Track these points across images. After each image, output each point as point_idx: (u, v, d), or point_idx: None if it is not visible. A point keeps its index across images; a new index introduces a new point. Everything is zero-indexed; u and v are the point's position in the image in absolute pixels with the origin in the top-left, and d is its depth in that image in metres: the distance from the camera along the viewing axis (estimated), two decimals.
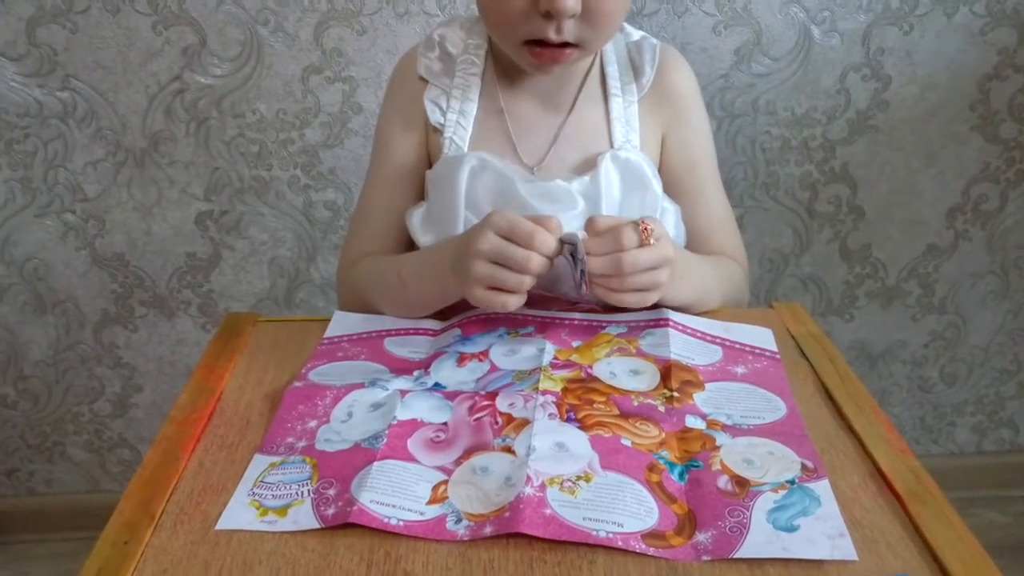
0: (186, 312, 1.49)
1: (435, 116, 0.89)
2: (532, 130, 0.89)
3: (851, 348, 1.58)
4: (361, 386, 0.72)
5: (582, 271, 0.73)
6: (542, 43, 0.78)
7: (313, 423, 0.68)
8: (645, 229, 0.73)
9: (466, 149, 0.87)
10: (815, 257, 1.51)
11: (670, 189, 0.91)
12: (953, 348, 1.60)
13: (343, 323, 0.84)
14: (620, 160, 0.86)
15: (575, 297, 0.77)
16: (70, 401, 1.55)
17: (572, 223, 0.84)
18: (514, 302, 0.74)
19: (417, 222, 0.89)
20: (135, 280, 1.46)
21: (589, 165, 0.87)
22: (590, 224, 0.75)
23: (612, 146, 0.88)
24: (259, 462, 0.65)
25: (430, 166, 0.90)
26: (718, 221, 0.94)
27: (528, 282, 0.73)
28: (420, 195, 0.92)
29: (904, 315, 1.56)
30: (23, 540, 1.61)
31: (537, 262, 0.72)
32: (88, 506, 1.58)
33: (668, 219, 0.89)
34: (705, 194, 0.93)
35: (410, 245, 0.92)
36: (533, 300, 0.78)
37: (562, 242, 0.73)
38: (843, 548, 0.55)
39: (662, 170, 0.91)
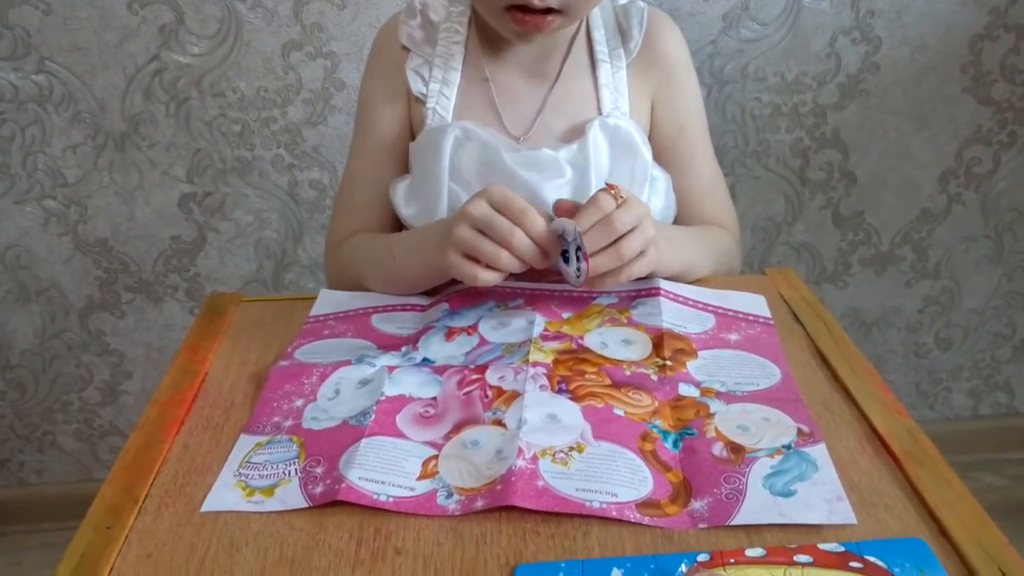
0: (173, 296, 1.47)
1: (417, 86, 0.86)
2: (517, 99, 0.87)
3: (845, 316, 1.57)
4: (348, 363, 0.70)
5: (579, 256, 0.71)
6: (524, 9, 0.76)
7: (299, 402, 0.67)
8: (612, 188, 0.71)
9: (449, 119, 0.85)
10: (808, 224, 1.49)
11: (660, 156, 0.89)
12: (948, 313, 1.59)
13: (329, 301, 0.83)
14: (609, 127, 0.84)
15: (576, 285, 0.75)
16: (59, 390, 1.53)
17: (560, 192, 0.82)
18: (485, 276, 0.72)
19: (401, 195, 0.87)
20: (120, 265, 1.44)
21: (577, 133, 0.85)
22: (556, 207, 0.74)
23: (600, 113, 0.86)
24: (245, 442, 0.64)
25: (414, 138, 0.88)
26: (709, 189, 0.92)
27: (507, 258, 0.71)
28: (405, 168, 0.90)
29: (898, 281, 1.55)
30: (15, 531, 1.61)
31: (520, 239, 0.70)
32: (80, 495, 1.55)
33: (658, 187, 0.87)
34: (696, 161, 0.91)
35: (397, 219, 0.90)
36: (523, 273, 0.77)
37: (555, 234, 0.71)
38: (841, 511, 0.54)
39: (652, 137, 0.89)
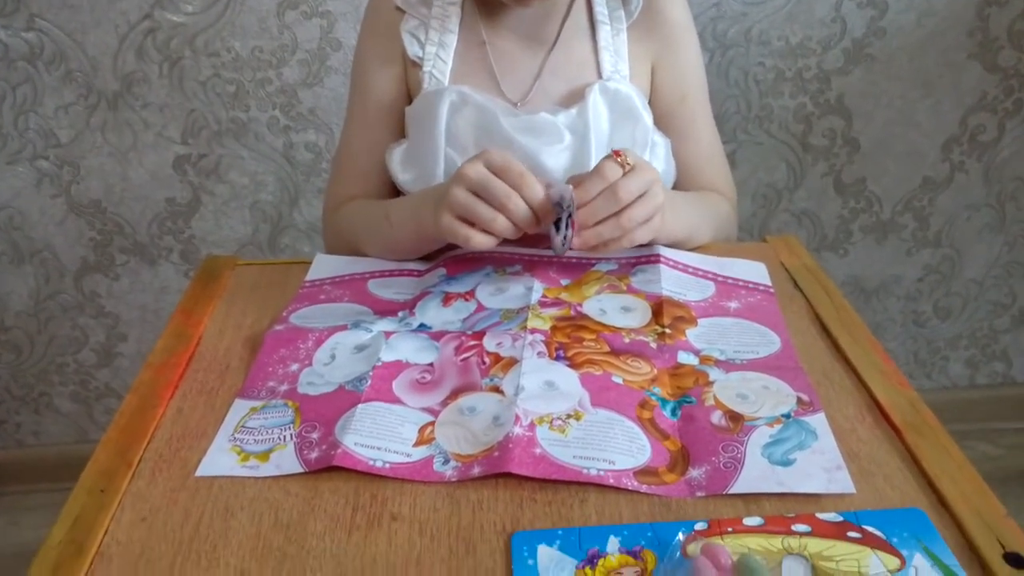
0: (168, 259, 1.45)
1: (413, 49, 0.84)
2: (515, 63, 0.85)
3: (845, 283, 1.56)
4: (344, 328, 0.70)
5: (568, 224, 0.70)
6: None
7: (295, 366, 0.66)
8: (619, 155, 0.70)
9: (446, 83, 0.83)
10: (809, 192, 1.48)
11: (660, 121, 0.87)
12: (948, 282, 1.58)
13: (325, 266, 0.82)
14: (609, 91, 0.82)
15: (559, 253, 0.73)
16: (53, 352, 1.53)
17: (559, 157, 0.81)
18: (479, 240, 0.70)
19: (397, 160, 0.86)
20: (114, 227, 1.42)
21: (576, 97, 0.83)
22: (570, 181, 0.72)
23: (600, 77, 0.84)
24: (240, 407, 0.63)
25: (410, 102, 0.86)
26: (708, 155, 0.91)
27: (502, 222, 0.69)
28: (402, 132, 0.88)
29: (899, 249, 1.54)
30: (13, 491, 1.61)
31: (516, 203, 0.69)
32: (77, 456, 1.55)
33: (658, 153, 0.86)
34: (696, 127, 0.90)
35: (394, 185, 0.89)
36: (521, 239, 0.76)
37: (549, 200, 0.70)
38: (840, 481, 0.54)
39: (652, 102, 0.87)
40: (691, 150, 0.89)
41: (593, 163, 0.81)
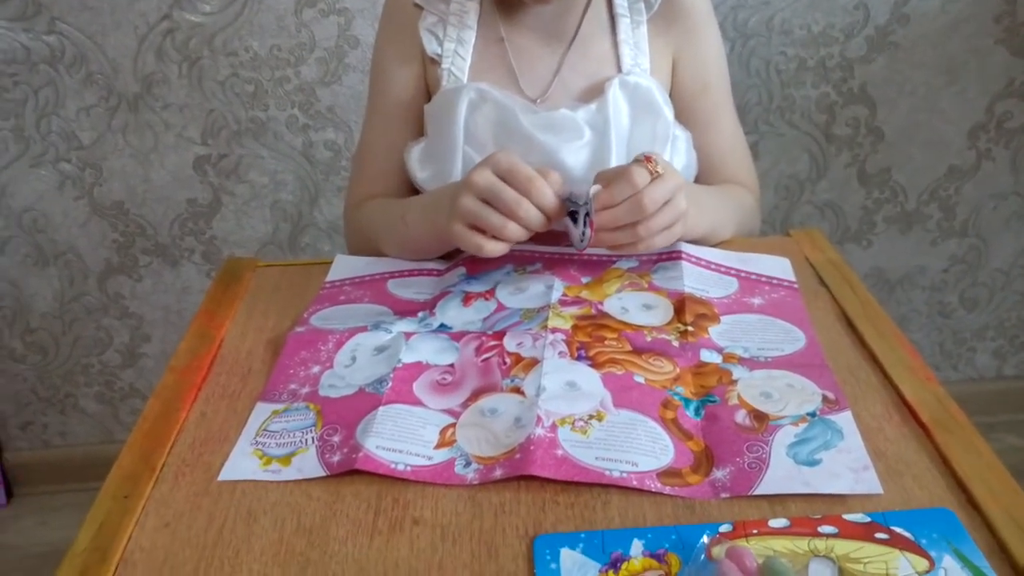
0: (190, 259, 1.46)
1: (431, 46, 0.84)
2: (534, 60, 0.84)
3: (869, 275, 1.54)
4: (364, 329, 0.70)
5: (587, 220, 0.69)
6: None
7: (316, 368, 0.66)
8: (649, 161, 0.69)
9: (465, 80, 0.83)
10: (832, 183, 1.46)
11: (681, 114, 0.86)
12: (974, 272, 1.56)
13: (345, 266, 0.82)
14: (629, 85, 0.81)
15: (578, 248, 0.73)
16: (79, 353, 1.55)
17: (579, 153, 0.80)
18: (491, 247, 0.69)
19: (416, 158, 0.85)
20: (136, 228, 1.43)
21: (596, 92, 0.82)
22: (597, 177, 0.71)
23: (620, 71, 0.83)
24: (261, 410, 0.63)
25: (429, 99, 0.86)
26: (731, 147, 0.90)
27: (513, 229, 0.68)
28: (421, 130, 0.88)
29: (924, 240, 1.52)
30: (41, 492, 1.63)
31: (527, 209, 0.68)
32: (103, 456, 1.57)
33: (679, 146, 0.85)
34: (718, 119, 0.89)
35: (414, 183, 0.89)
36: (539, 236, 0.75)
37: (562, 199, 0.69)
38: (867, 481, 0.53)
39: (673, 94, 0.86)
40: (713, 142, 0.88)
41: (613, 159, 0.80)
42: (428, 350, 0.67)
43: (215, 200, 1.42)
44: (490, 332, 0.68)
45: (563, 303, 0.71)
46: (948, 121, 1.42)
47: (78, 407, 1.60)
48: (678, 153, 0.85)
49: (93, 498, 0.57)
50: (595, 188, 0.69)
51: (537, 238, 0.73)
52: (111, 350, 1.55)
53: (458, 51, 0.83)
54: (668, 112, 0.83)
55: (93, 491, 0.57)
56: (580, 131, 0.80)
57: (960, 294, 1.58)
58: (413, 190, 0.89)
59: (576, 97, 0.83)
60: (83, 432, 1.63)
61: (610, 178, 0.70)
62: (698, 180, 0.89)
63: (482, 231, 0.70)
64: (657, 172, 0.68)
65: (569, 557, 0.50)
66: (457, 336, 0.68)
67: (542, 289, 0.73)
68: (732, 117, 0.91)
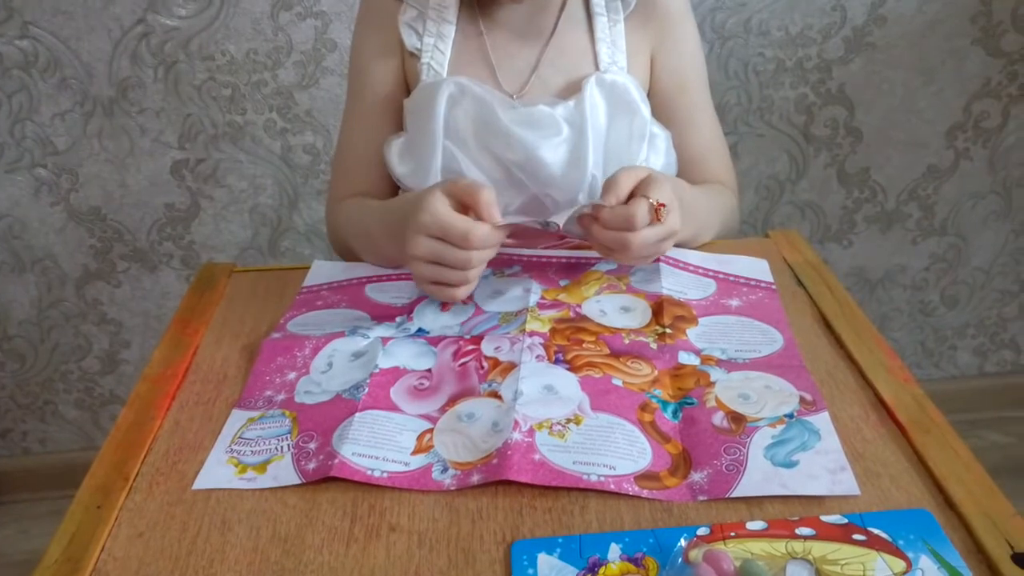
0: (168, 265, 1.45)
1: (411, 40, 0.83)
2: (513, 55, 0.84)
3: (849, 275, 1.55)
4: (341, 335, 0.69)
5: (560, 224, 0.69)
6: None
7: (292, 375, 0.66)
8: (659, 209, 0.68)
9: (444, 75, 0.83)
10: (812, 183, 1.47)
11: (660, 113, 0.86)
12: (954, 270, 1.57)
13: (322, 272, 0.81)
14: (606, 83, 0.81)
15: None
16: (57, 360, 1.53)
17: (557, 150, 0.80)
18: (463, 292, 0.69)
19: (395, 153, 0.84)
20: (114, 234, 1.42)
21: (574, 89, 0.82)
22: (610, 184, 0.70)
23: (597, 68, 0.83)
24: (237, 418, 0.62)
25: (409, 94, 0.85)
26: (710, 146, 0.90)
27: (473, 275, 0.68)
28: (400, 125, 0.87)
29: (904, 239, 1.53)
30: (22, 499, 1.61)
31: (477, 260, 0.67)
32: (84, 463, 1.54)
33: (659, 145, 0.85)
34: (696, 117, 0.89)
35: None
36: (518, 235, 0.75)
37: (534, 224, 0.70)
38: (844, 482, 0.53)
39: (651, 93, 0.86)
40: (693, 141, 0.88)
41: (591, 156, 0.79)
42: (405, 355, 0.66)
43: (193, 205, 1.41)
44: (468, 336, 0.68)
45: (541, 306, 0.71)
46: (926, 121, 1.43)
47: (58, 414, 1.59)
48: (657, 152, 0.85)
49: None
50: (577, 210, 0.69)
51: (518, 242, 0.73)
52: (90, 356, 1.53)
53: (438, 45, 0.83)
54: (645, 110, 0.83)
55: (73, 499, 0.57)
56: (559, 127, 0.80)
57: (941, 292, 1.59)
58: (393, 185, 0.88)
59: (554, 93, 0.83)
60: (63, 439, 1.61)
61: (622, 195, 0.69)
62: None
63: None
64: (660, 220, 0.69)
65: (547, 562, 0.49)
66: (435, 341, 0.68)
67: (520, 292, 0.73)
68: (711, 115, 0.91)
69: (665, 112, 0.87)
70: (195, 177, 1.38)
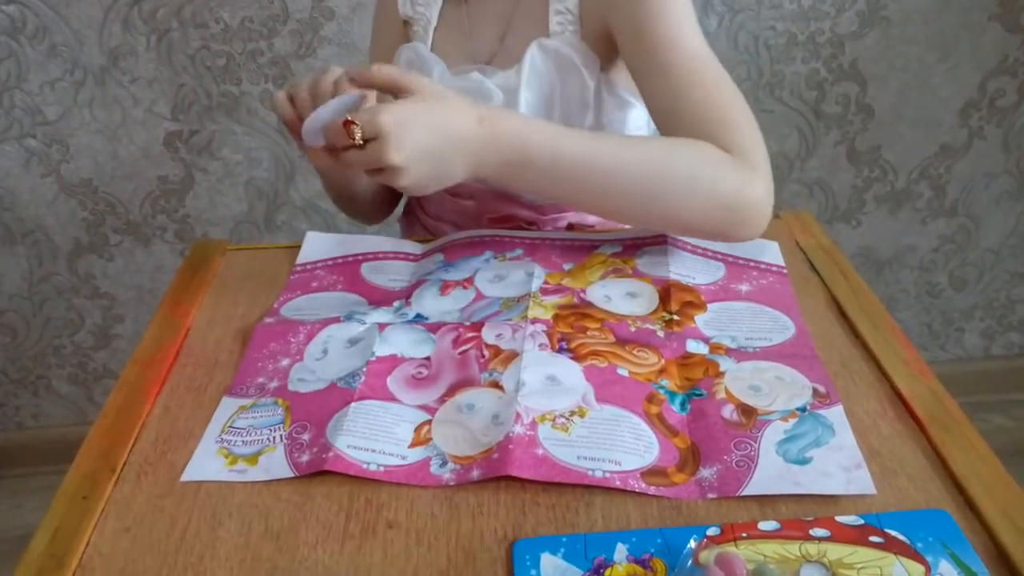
0: (162, 239, 1.42)
1: (404, 8, 0.87)
2: (487, 22, 0.83)
3: (857, 255, 1.52)
4: (337, 320, 0.67)
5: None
6: None
7: (286, 361, 0.63)
8: (348, 127, 0.61)
9: (430, 42, 0.85)
10: (822, 161, 1.43)
11: (630, 70, 0.76)
12: (963, 252, 1.54)
13: (317, 246, 0.78)
14: (549, 49, 0.78)
15: None
16: (50, 334, 1.50)
17: None
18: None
19: None
20: (106, 207, 1.39)
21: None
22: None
23: (549, 34, 0.79)
24: (227, 405, 0.60)
25: None
26: (682, 97, 0.71)
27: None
28: None
29: (913, 219, 1.50)
30: (15, 474, 1.60)
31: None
32: (78, 438, 1.54)
33: (635, 115, 0.81)
34: (655, 64, 0.72)
35: None
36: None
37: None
38: (860, 480, 0.51)
39: (621, 54, 0.78)
40: (655, 91, 0.73)
41: None
42: (403, 342, 0.64)
43: (187, 177, 1.37)
44: (468, 323, 0.65)
45: (544, 292, 0.68)
46: (940, 99, 1.40)
47: (51, 388, 1.57)
48: (636, 126, 0.81)
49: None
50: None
51: (521, 225, 0.70)
52: (83, 331, 1.51)
53: (427, 13, 0.85)
54: (589, 77, 0.78)
55: (67, 473, 0.55)
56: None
57: (949, 274, 1.56)
58: None
59: (517, 59, 0.80)
60: (57, 413, 1.60)
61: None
62: None
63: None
64: (355, 140, 0.61)
65: (550, 563, 0.47)
66: (434, 327, 0.65)
67: (522, 277, 0.70)
68: (685, 64, 0.72)
69: (629, 66, 0.77)
70: (189, 149, 1.35)
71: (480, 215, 0.85)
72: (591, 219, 0.86)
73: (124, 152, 1.34)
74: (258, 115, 1.33)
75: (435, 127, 0.63)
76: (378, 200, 0.92)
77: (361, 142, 0.60)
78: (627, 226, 0.79)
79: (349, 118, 0.60)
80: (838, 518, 0.49)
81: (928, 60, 1.36)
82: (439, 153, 0.63)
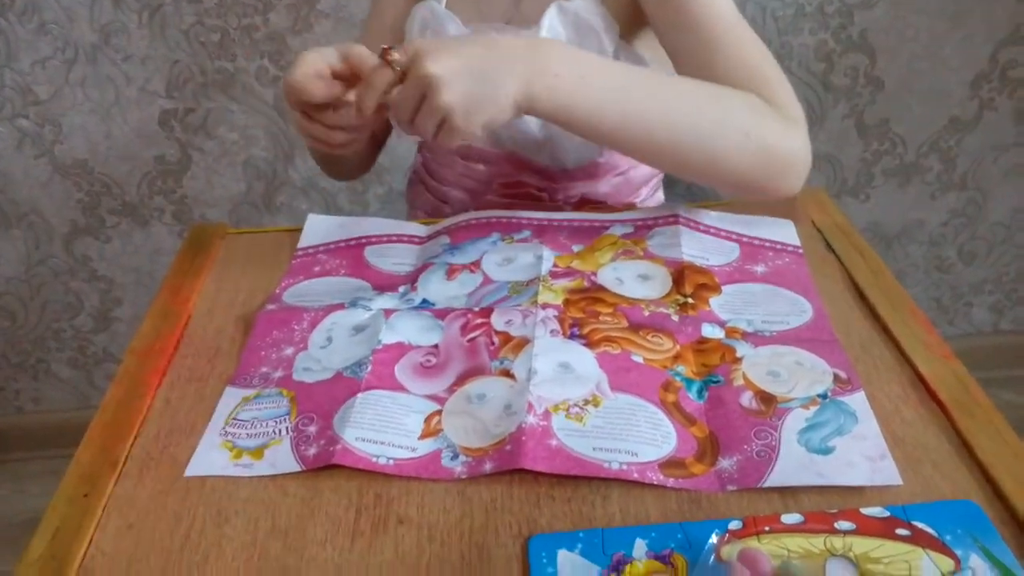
0: (160, 220, 1.40)
1: None
2: None
3: (866, 230, 1.50)
4: (341, 307, 0.65)
5: None
6: None
7: (290, 350, 0.61)
8: (387, 53, 0.61)
9: (444, 3, 0.81)
10: (830, 134, 1.40)
11: (662, 42, 0.75)
12: (973, 226, 1.52)
13: (318, 229, 0.76)
14: (568, 12, 0.76)
15: None
16: (48, 317, 1.48)
17: None
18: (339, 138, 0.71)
19: None
20: (102, 188, 1.36)
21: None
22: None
23: None
24: (231, 396, 0.58)
25: None
26: (718, 53, 0.71)
27: (337, 137, 0.70)
28: None
29: (922, 193, 1.48)
30: (17, 458, 1.59)
31: (326, 135, 0.70)
32: (79, 422, 1.53)
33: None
34: (680, 17, 0.72)
35: None
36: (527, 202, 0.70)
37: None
38: (885, 470, 0.50)
39: (650, 21, 0.76)
40: (683, 44, 0.72)
41: None
42: (410, 329, 0.62)
43: (184, 157, 1.35)
44: (476, 308, 0.64)
45: (554, 275, 0.66)
46: (950, 70, 1.36)
47: (51, 372, 1.55)
48: None
49: (69, 465, 0.53)
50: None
51: (526, 204, 0.68)
52: (83, 314, 1.49)
53: None
54: (608, 41, 0.76)
55: (70, 457, 0.54)
56: None
57: (959, 248, 1.54)
58: None
59: (534, 22, 0.77)
60: (58, 397, 1.58)
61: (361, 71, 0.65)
62: None
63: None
64: (398, 67, 0.61)
65: (567, 560, 0.46)
66: (441, 313, 0.63)
67: (531, 260, 0.68)
68: (715, 22, 0.72)
69: (658, 28, 0.75)
70: (184, 128, 1.32)
71: (490, 180, 0.83)
72: (603, 189, 0.84)
73: (118, 132, 1.31)
74: (254, 92, 1.30)
75: (477, 41, 0.63)
76: (363, 154, 0.91)
77: (399, 69, 0.61)
78: (660, 172, 0.77)
79: (384, 47, 0.61)
80: (863, 510, 0.47)
81: (939, 30, 1.33)
82: (483, 67, 0.61)
